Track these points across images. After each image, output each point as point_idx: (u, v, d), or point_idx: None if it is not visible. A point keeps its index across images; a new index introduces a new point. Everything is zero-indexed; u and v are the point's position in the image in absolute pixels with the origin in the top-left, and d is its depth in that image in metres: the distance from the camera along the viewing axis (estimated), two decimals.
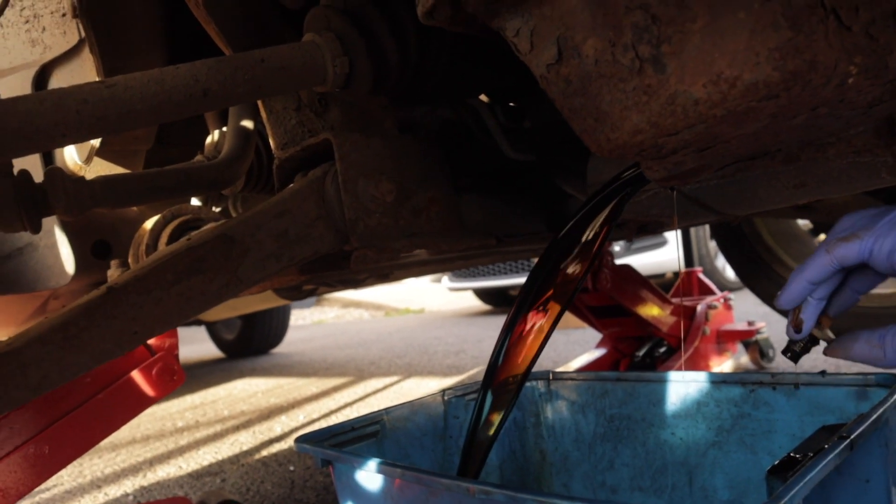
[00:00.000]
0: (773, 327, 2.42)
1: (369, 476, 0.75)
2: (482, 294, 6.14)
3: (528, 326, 0.79)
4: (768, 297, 1.95)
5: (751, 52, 0.40)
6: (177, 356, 1.14)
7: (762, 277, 1.93)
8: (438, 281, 7.07)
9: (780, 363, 2.23)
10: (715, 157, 0.55)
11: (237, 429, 2.46)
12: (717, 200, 0.76)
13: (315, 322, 8.21)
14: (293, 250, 0.65)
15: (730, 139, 0.50)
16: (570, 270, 0.77)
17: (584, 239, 0.74)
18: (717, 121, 0.43)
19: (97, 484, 1.91)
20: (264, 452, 2.07)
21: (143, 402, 1.10)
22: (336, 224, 0.67)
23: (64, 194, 0.63)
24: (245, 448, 2.15)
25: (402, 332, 5.42)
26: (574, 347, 3.23)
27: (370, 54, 0.64)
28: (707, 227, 4.13)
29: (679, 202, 0.77)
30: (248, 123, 0.84)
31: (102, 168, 1.05)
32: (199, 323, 4.08)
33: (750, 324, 2.01)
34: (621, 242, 4.19)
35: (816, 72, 0.40)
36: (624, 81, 0.45)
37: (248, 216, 0.65)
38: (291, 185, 0.70)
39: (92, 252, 1.16)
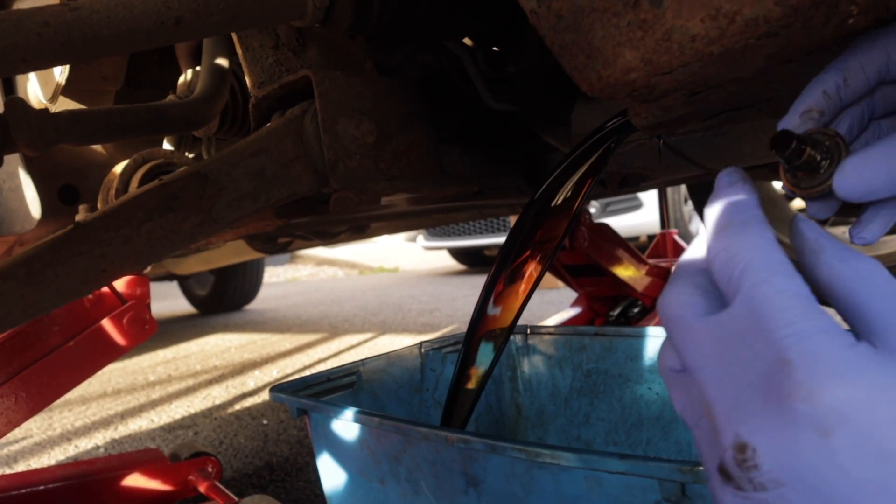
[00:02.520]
0: None
1: (346, 425, 0.74)
2: (457, 254, 6.14)
3: (512, 279, 0.78)
4: None
5: None
6: (148, 305, 1.11)
7: None
8: (413, 240, 7.05)
9: None
10: (705, 103, 0.53)
11: (210, 383, 2.44)
12: (701, 154, 0.75)
13: (289, 279, 8.18)
14: (270, 190, 0.63)
15: (722, 83, 0.49)
16: (552, 225, 0.75)
17: (568, 189, 0.73)
18: (714, 59, 0.42)
19: (67, 437, 1.89)
20: (237, 406, 2.06)
21: (113, 351, 1.08)
22: (315, 164, 0.65)
23: (27, 126, 0.60)
24: (218, 402, 2.14)
25: (376, 291, 5.42)
26: (548, 307, 3.25)
27: None
28: (683, 190, 4.15)
29: (663, 155, 0.76)
30: (223, 62, 0.81)
31: (70, 107, 1.02)
32: (171, 278, 4.03)
33: None
34: (596, 204, 4.19)
35: (818, 8, 0.39)
36: (618, 16, 0.43)
37: (223, 155, 0.63)
38: (268, 124, 0.68)
39: (59, 197, 1.13)
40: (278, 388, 0.85)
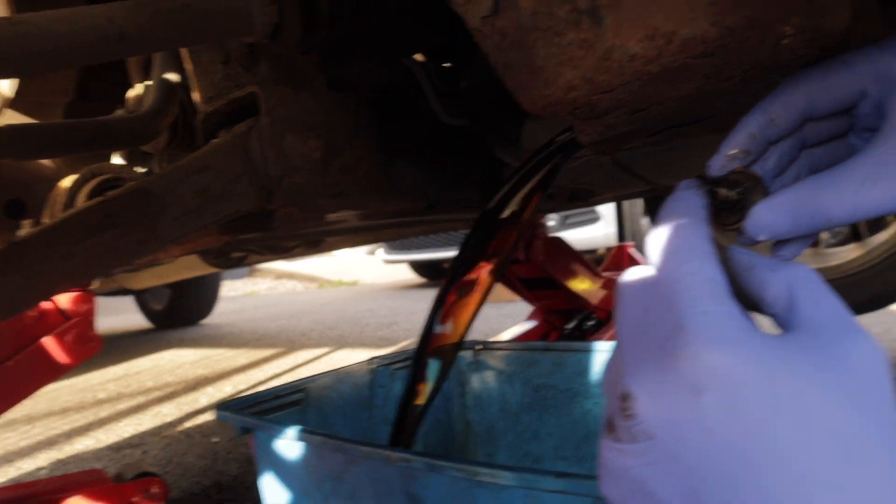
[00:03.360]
0: None
1: (289, 444, 0.73)
2: (417, 267, 6.13)
3: (461, 294, 0.78)
4: None
5: (688, 6, 0.39)
6: (92, 322, 1.09)
7: None
8: (373, 254, 7.03)
9: None
10: (647, 120, 0.54)
11: (161, 400, 2.39)
12: (648, 169, 0.76)
13: (247, 293, 8.08)
14: (215, 207, 0.62)
15: (663, 100, 0.49)
16: (502, 238, 0.76)
17: (516, 206, 0.73)
18: (653, 78, 0.43)
19: (8, 458, 1.83)
20: (188, 424, 2.02)
21: (55, 369, 1.05)
22: (261, 181, 0.64)
23: None
24: (168, 420, 2.10)
25: (334, 304, 5.38)
26: (505, 320, 3.25)
27: (300, 4, 0.61)
28: (641, 204, 4.21)
29: (611, 170, 0.77)
30: (172, 76, 0.80)
31: (16, 121, 0.99)
32: (127, 293, 3.95)
33: None
34: (555, 217, 4.23)
35: (753, 29, 0.40)
36: (560, 35, 0.44)
37: (168, 171, 0.62)
38: (215, 140, 0.67)
39: (5, 212, 1.10)
40: (224, 406, 0.83)
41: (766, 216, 0.39)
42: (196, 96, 0.71)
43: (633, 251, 2.15)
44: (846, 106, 0.43)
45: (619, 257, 2.08)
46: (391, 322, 3.86)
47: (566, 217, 4.27)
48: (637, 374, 0.30)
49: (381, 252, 5.71)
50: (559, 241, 1.70)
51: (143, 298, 4.64)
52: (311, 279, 8.80)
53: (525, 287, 1.80)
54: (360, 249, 8.87)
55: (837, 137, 0.46)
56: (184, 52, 0.73)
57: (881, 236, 1.76)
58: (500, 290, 1.83)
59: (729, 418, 0.26)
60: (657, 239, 0.35)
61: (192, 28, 0.56)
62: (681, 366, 0.28)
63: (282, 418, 0.90)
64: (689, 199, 0.38)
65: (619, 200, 2.25)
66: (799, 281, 0.32)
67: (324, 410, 0.96)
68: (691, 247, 0.33)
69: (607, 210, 4.23)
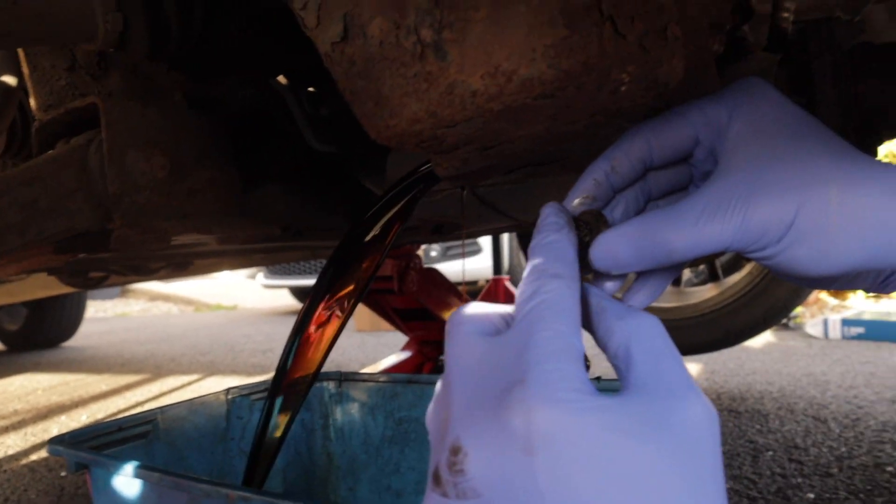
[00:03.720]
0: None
1: (127, 481, 0.68)
2: (297, 292, 6.00)
3: (319, 325, 0.76)
4: None
5: (528, 47, 0.39)
6: None
7: None
8: (253, 278, 6.83)
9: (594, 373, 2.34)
10: (500, 157, 0.54)
11: (6, 430, 2.21)
12: (509, 205, 0.76)
13: (118, 315, 7.66)
14: (43, 224, 0.57)
15: (513, 139, 0.50)
16: (361, 268, 0.74)
17: (376, 236, 0.72)
18: (495, 115, 0.43)
19: None
20: (34, 457, 1.87)
21: None
22: (98, 198, 0.60)
23: None
24: (12, 452, 1.94)
25: (210, 329, 5.18)
26: (384, 349, 3.23)
27: (147, 13, 0.58)
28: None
29: (474, 205, 0.77)
30: (9, 79, 0.74)
31: None
32: None
33: None
34: (437, 248, 4.26)
35: (590, 75, 0.40)
36: (406, 66, 0.43)
37: None
38: (50, 151, 0.62)
39: None
40: (58, 439, 0.77)
41: (609, 245, 0.39)
42: (32, 103, 0.66)
43: (508, 284, 2.19)
44: (682, 154, 0.45)
45: (494, 290, 2.11)
46: (267, 348, 3.75)
47: (448, 248, 4.31)
48: (470, 425, 0.29)
49: (260, 276, 5.56)
50: (434, 272, 1.70)
51: None
52: (187, 302, 8.46)
53: (399, 318, 1.79)
54: (241, 273, 8.62)
55: (680, 190, 0.48)
56: (21, 53, 0.68)
57: (735, 277, 1.87)
58: (378, 319, 1.81)
59: (558, 481, 0.26)
60: (525, 288, 0.34)
61: (23, 29, 0.52)
62: (515, 423, 0.27)
63: (125, 452, 0.84)
64: (558, 245, 0.37)
65: (489, 235, 2.29)
66: (640, 334, 0.32)
67: (175, 443, 0.91)
68: (556, 303, 0.32)
69: (488, 242, 4.30)
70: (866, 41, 0.67)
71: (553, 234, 0.38)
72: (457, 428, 0.29)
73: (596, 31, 0.40)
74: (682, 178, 0.47)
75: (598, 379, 0.78)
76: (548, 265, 0.35)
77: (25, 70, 0.67)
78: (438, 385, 0.35)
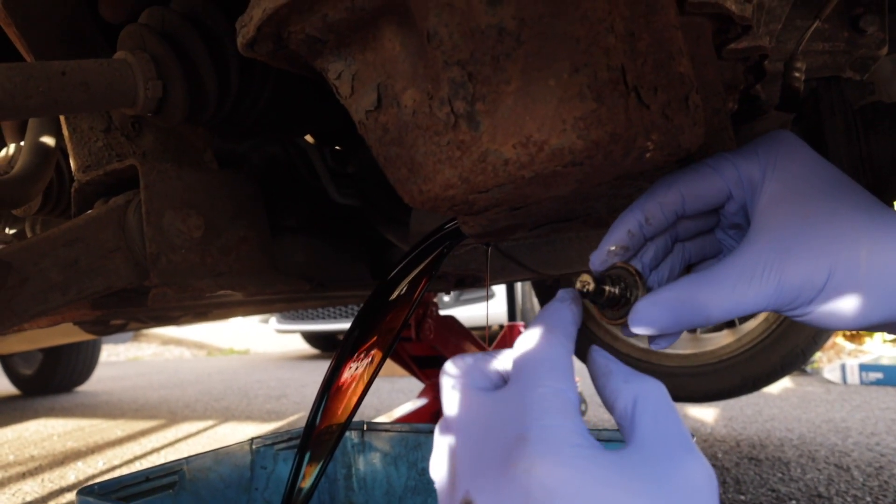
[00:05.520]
0: (587, 381, 2.54)
1: None
2: (310, 337, 6.01)
3: (349, 375, 0.77)
4: (581, 354, 2.04)
5: (558, 118, 0.41)
6: None
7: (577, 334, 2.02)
8: (266, 322, 6.85)
9: (591, 417, 2.34)
10: (527, 217, 0.56)
11: (23, 476, 2.21)
12: (531, 259, 0.78)
13: (130, 359, 7.67)
14: (83, 283, 0.59)
15: (541, 200, 0.51)
16: (390, 320, 0.76)
17: (404, 289, 0.74)
18: (526, 182, 0.44)
19: None
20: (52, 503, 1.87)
21: None
22: (136, 257, 0.62)
23: None
24: (29, 499, 1.93)
25: (223, 374, 5.18)
26: (398, 395, 3.22)
27: (186, 80, 0.61)
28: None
29: (496, 259, 0.78)
30: (48, 140, 0.77)
31: None
32: None
33: None
34: (451, 294, 4.27)
35: (617, 144, 0.42)
36: (439, 135, 0.45)
37: (33, 241, 0.59)
38: (89, 211, 0.65)
39: None
40: (87, 490, 0.78)
41: (648, 312, 0.41)
42: (72, 163, 0.69)
43: (522, 329, 2.19)
44: (714, 207, 0.46)
45: (509, 336, 2.11)
46: (280, 394, 3.75)
47: (460, 294, 4.32)
48: (479, 481, 0.30)
49: (273, 321, 5.58)
50: (450, 319, 1.71)
51: (10, 362, 4.32)
52: (199, 346, 8.47)
53: (416, 365, 1.80)
54: (253, 318, 8.65)
55: (706, 232, 0.50)
56: (62, 117, 0.70)
57: (750, 324, 1.87)
58: (393, 364, 1.82)
59: None
60: (522, 346, 0.36)
61: (69, 97, 0.54)
62: (519, 478, 0.28)
63: (152, 503, 0.85)
64: (560, 312, 0.39)
65: (507, 283, 2.30)
66: (645, 397, 0.33)
67: (200, 493, 0.91)
68: (552, 362, 0.34)
69: (501, 288, 4.31)
70: (877, 100, 0.69)
71: (556, 303, 0.41)
72: (466, 482, 0.31)
73: (622, 103, 0.41)
74: (709, 223, 0.49)
75: (600, 430, 0.79)
76: (545, 326, 0.37)
77: (66, 132, 0.70)
78: (437, 435, 0.37)
